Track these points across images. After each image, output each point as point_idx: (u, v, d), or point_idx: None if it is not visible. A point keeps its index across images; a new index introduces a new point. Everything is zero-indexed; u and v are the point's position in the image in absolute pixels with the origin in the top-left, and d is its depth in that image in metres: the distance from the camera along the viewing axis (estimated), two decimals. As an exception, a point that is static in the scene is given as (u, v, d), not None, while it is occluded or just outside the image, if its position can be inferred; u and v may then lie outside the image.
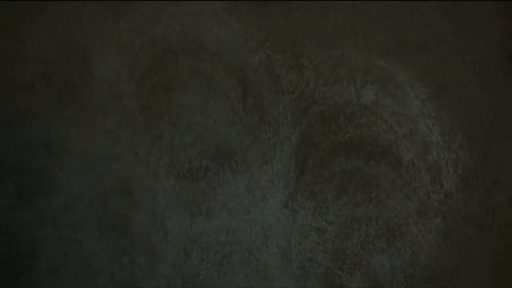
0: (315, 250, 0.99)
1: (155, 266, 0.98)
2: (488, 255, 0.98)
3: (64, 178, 0.98)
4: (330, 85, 0.99)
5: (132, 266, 0.98)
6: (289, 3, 0.99)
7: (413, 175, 0.99)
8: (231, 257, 0.99)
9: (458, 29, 0.99)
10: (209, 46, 1.00)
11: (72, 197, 0.98)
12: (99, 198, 0.98)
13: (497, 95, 0.99)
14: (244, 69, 0.99)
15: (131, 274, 0.98)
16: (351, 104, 0.99)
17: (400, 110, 0.99)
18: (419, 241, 0.99)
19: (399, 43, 0.99)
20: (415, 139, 0.99)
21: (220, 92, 0.99)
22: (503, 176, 0.99)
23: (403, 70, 0.99)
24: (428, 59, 0.99)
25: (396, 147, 0.99)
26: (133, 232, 0.98)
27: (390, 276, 0.99)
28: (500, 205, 0.98)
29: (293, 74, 0.99)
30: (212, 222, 0.98)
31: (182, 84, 0.99)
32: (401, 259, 0.99)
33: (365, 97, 0.99)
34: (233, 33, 1.00)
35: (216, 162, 0.99)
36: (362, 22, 0.99)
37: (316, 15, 0.99)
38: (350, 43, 0.99)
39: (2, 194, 0.96)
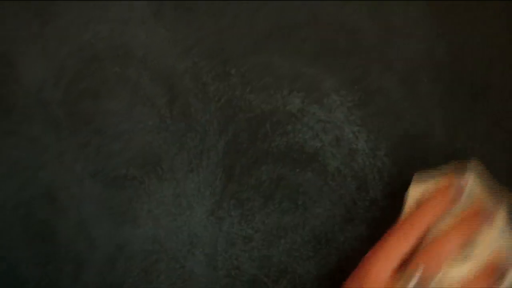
0: (242, 257, 0.99)
1: (80, 274, 0.98)
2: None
3: (-12, 186, 0.98)
4: (256, 92, 0.99)
5: (57, 274, 0.98)
6: (217, 10, 0.99)
7: (339, 183, 0.99)
8: (157, 265, 0.99)
9: (385, 35, 1.00)
10: (136, 52, 1.00)
11: (-4, 205, 0.98)
12: (23, 206, 0.98)
13: (422, 103, 0.99)
14: (170, 76, 0.99)
15: (56, 282, 0.98)
16: (278, 111, 0.99)
17: (326, 118, 0.99)
18: (345, 248, 0.99)
19: (327, 50, 0.99)
20: (341, 146, 1.00)
21: (147, 99, 0.99)
22: (428, 183, 1.00)
23: (329, 77, 1.00)
24: (355, 66, 1.00)
25: (322, 155, 0.99)
26: (58, 239, 0.98)
27: (316, 283, 0.99)
28: (426, 213, 0.99)
29: (219, 81, 0.99)
30: (138, 230, 0.99)
31: (109, 91, 0.99)
32: (328, 266, 1.00)
33: (291, 104, 0.99)
34: (160, 40, 1.00)
35: (142, 170, 0.99)
36: (289, 29, 1.00)
37: (243, 22, 1.00)
38: (277, 50, 1.00)
39: None
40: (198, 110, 0.98)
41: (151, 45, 0.99)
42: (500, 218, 0.84)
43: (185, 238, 0.98)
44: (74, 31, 0.99)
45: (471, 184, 0.87)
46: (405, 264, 0.82)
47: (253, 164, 0.98)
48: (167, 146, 0.98)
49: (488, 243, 0.83)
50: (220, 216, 0.98)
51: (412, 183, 0.90)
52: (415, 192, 0.90)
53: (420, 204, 0.87)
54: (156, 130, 0.98)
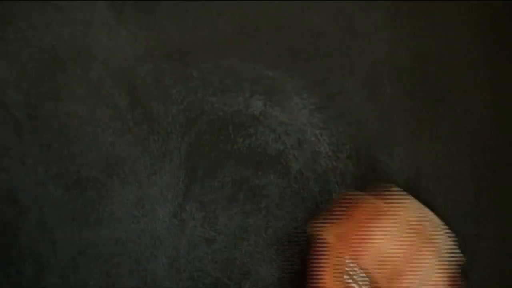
0: (204, 260, 1.00)
1: (42, 277, 0.98)
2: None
3: (-51, 189, 0.97)
4: (218, 95, 1.00)
5: (19, 276, 0.98)
6: (179, 13, 1.00)
7: (301, 185, 1.00)
8: (120, 267, 0.99)
9: (346, 39, 1.01)
10: (97, 55, 1.00)
11: (-43, 208, 0.98)
12: (-15, 209, 0.98)
13: (383, 106, 1.00)
14: (132, 79, 1.00)
15: (17, 285, 0.99)
16: (240, 114, 1.00)
17: (288, 120, 1.00)
18: (307, 251, 1.00)
19: (288, 53, 1.00)
20: (303, 149, 1.00)
21: (109, 102, 0.99)
22: (391, 185, 1.00)
23: (291, 80, 1.00)
24: (316, 69, 1.00)
25: (284, 157, 1.00)
26: (20, 242, 0.98)
27: (279, 286, 1.00)
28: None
29: (181, 84, 1.00)
30: (100, 232, 0.99)
31: (70, 94, 0.99)
32: (290, 269, 1.01)
33: (253, 107, 1.00)
34: (122, 42, 1.00)
35: (104, 173, 0.99)
36: (251, 33, 1.00)
37: (205, 25, 1.00)
38: (239, 53, 1.00)
39: None
40: (160, 112, 0.99)
41: (113, 47, 0.99)
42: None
43: (147, 241, 0.98)
44: (35, 34, 0.99)
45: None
46: None
47: (216, 167, 0.99)
48: (129, 149, 0.99)
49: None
50: (183, 219, 0.99)
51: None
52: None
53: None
54: (118, 133, 0.99)
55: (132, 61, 0.98)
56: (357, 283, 0.80)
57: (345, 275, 0.80)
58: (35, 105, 0.98)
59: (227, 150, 0.99)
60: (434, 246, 0.81)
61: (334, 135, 0.99)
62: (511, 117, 1.03)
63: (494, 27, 1.04)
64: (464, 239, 0.97)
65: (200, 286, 0.98)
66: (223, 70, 0.98)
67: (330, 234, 0.83)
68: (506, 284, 1.02)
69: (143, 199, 0.98)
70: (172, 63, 0.98)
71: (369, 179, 1.00)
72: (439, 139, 1.01)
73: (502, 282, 1.01)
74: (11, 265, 0.98)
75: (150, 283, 0.98)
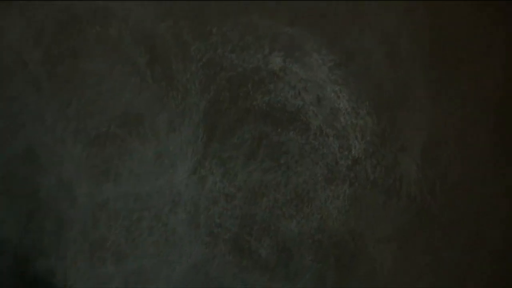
0: (224, 216, 1.00)
1: (62, 232, 0.99)
2: (394, 221, 1.00)
3: (-30, 145, 0.98)
4: (238, 52, 1.00)
5: (39, 232, 0.99)
6: (198, -31, 1.00)
7: (321, 142, 1.00)
8: (139, 223, 1.00)
9: (366, -5, 1.01)
10: (116, 12, 1.00)
11: (-22, 164, 0.98)
12: (5, 165, 0.99)
13: (402, 63, 1.00)
14: (151, 36, 1.00)
15: (38, 240, 0.99)
16: (259, 70, 1.00)
17: (307, 77, 1.00)
18: (327, 207, 1.00)
19: (307, 10, 1.00)
20: (323, 105, 1.01)
21: (127, 59, 0.99)
22: (410, 143, 1.00)
23: (310, 37, 1.00)
24: (336, 27, 1.00)
25: (304, 114, 1.00)
26: (40, 198, 0.99)
27: (298, 242, 1.00)
28: (407, 172, 1.00)
29: (200, 41, 1.00)
30: (120, 188, 0.99)
31: (89, 51, 1.00)
32: (309, 225, 1.01)
33: (273, 63, 1.00)
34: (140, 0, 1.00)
35: (124, 129, 0.99)
36: (270, -12, 1.00)
37: (224, -19, 1.00)
38: (258, 10, 1.00)
39: None
40: (179, 69, 0.99)
41: (132, 5, 1.00)
42: None
43: (167, 197, 0.99)
44: (55, -9, 1.00)
45: None
46: None
47: (235, 123, 0.99)
48: (149, 106, 0.99)
49: None
50: (202, 175, 0.99)
51: None
52: None
53: None
54: (137, 90, 0.99)
55: (151, 18, 0.99)
56: None
57: None
58: (54, 62, 0.99)
59: (246, 106, 0.99)
60: None
61: (353, 92, 0.99)
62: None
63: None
64: (481, 200, 0.98)
65: (219, 241, 0.99)
66: (242, 27, 0.98)
67: None
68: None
69: (162, 155, 0.98)
70: (191, 20, 0.99)
71: (387, 135, 1.00)
72: (458, 98, 1.01)
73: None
74: (31, 221, 0.98)
75: (169, 238, 0.99)
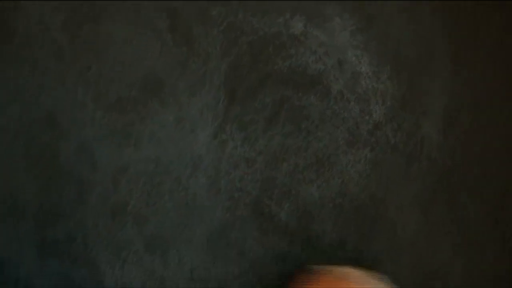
0: (244, 180, 1.00)
1: (83, 197, 0.99)
2: (415, 185, 1.00)
3: (-10, 109, 0.98)
4: (259, 16, 1.00)
5: (59, 197, 0.99)
6: None
7: (341, 106, 1.00)
8: (160, 187, 1.00)
9: (387, -41, 1.01)
10: (137, -24, 1.00)
11: (-2, 128, 0.98)
12: (25, 130, 0.99)
13: (424, 28, 1.00)
14: (172, 0, 1.00)
15: (59, 205, 0.99)
16: (280, 34, 1.00)
17: (329, 41, 1.00)
18: (348, 171, 1.00)
19: (328, -27, 1.00)
20: (344, 70, 1.01)
21: (148, 24, 1.00)
22: (431, 107, 1.00)
23: (332, 2, 1.00)
24: (357, -10, 1.01)
25: (325, 78, 1.00)
26: (60, 163, 0.99)
27: (319, 206, 1.00)
28: (428, 136, 1.00)
29: (221, 5, 1.00)
30: (140, 152, 0.99)
31: (110, 15, 1.00)
32: (330, 189, 1.01)
33: (294, 28, 1.00)
34: (162, -36, 1.00)
35: (144, 93, 0.99)
36: (291, -47, 1.00)
37: None
38: (279, -27, 1.00)
39: None
40: (200, 33, 0.99)
41: (153, -32, 1.00)
42: None
43: (188, 161, 0.99)
44: (75, -45, 1.00)
45: None
46: None
47: (256, 87, 0.99)
48: (169, 70, 0.99)
49: None
50: (223, 139, 0.99)
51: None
52: None
53: None
54: (158, 54, 0.99)
55: (172, -19, 0.99)
56: None
57: None
58: (75, 27, 0.99)
59: (267, 71, 0.99)
60: None
61: (374, 57, 0.99)
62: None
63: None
64: (503, 164, 0.97)
65: (240, 205, 0.99)
66: (263, -10, 0.99)
67: None
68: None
69: (183, 120, 0.98)
70: (212, -16, 0.99)
71: (408, 100, 1.00)
72: (480, 63, 1.01)
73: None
74: (52, 185, 0.98)
75: (190, 202, 0.99)
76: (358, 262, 0.97)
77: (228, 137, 0.97)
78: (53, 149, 0.97)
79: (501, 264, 0.97)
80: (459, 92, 0.98)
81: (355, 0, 0.98)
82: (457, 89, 0.98)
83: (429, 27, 0.99)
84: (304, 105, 0.96)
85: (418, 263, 0.96)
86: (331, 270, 0.83)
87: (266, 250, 0.97)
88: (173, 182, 0.97)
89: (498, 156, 0.99)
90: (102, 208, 0.97)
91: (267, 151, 0.96)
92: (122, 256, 0.97)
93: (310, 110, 0.96)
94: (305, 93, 0.97)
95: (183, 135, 0.97)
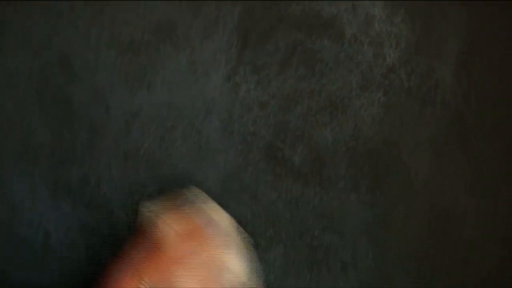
0: (258, 123, 1.00)
1: (96, 140, 0.99)
2: (429, 129, 1.00)
3: (2, 54, 0.98)
4: (272, -42, 0.99)
5: (73, 140, 0.99)
6: None
7: (355, 49, 1.00)
8: (173, 131, 0.99)
9: None
10: None
11: (11, 72, 0.98)
12: (38, 73, 0.98)
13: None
14: None
15: (71, 148, 0.99)
16: (294, -23, 0.99)
17: (342, -17, 0.99)
18: (361, 115, 1.00)
19: None
20: (357, 13, 1.00)
21: (161, -35, 0.99)
22: (445, 51, 1.00)
23: None
24: None
25: (338, 21, 1.00)
26: (73, 106, 0.99)
27: (332, 149, 1.00)
28: (442, 80, 1.00)
29: None
30: (153, 96, 0.99)
31: (122, -43, 0.99)
32: (343, 133, 1.00)
33: (307, -31, 1.00)
34: None
35: (157, 36, 0.99)
36: None
37: None
38: None
39: None
40: (213, -24, 0.98)
41: None
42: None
43: (201, 105, 0.99)
44: None
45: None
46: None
47: (269, 31, 0.99)
48: (182, 13, 0.99)
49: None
50: (236, 82, 0.99)
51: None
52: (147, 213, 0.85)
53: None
54: (170, -3, 0.98)
55: None
56: None
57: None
58: (87, -31, 0.98)
59: (281, 14, 0.98)
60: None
61: (388, -1, 0.99)
62: None
63: None
64: None
65: (253, 149, 0.99)
66: None
67: (170, 228, 0.80)
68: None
69: (196, 63, 0.98)
70: None
71: (422, 43, 0.99)
72: (495, 6, 1.00)
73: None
74: (65, 129, 0.98)
75: (203, 146, 0.99)
76: (372, 205, 0.97)
77: (241, 80, 0.97)
78: (66, 93, 0.97)
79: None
80: (473, 36, 0.97)
81: None
82: (471, 33, 0.97)
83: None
84: (317, 48, 0.96)
85: (431, 205, 0.96)
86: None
87: (279, 194, 0.97)
88: (186, 126, 0.97)
89: (510, 99, 0.98)
90: (115, 152, 0.97)
91: (280, 94, 0.96)
92: (135, 200, 0.98)
93: (323, 54, 0.96)
94: (318, 37, 0.96)
95: (196, 78, 0.97)
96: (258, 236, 0.98)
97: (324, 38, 0.97)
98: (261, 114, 0.96)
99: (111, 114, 0.96)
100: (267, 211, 0.98)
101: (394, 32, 0.98)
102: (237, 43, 0.96)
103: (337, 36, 0.97)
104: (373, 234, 0.98)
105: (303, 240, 0.98)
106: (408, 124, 0.97)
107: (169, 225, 0.80)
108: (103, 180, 0.97)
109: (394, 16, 0.98)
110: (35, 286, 1.00)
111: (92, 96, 0.97)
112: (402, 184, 0.97)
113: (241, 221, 0.97)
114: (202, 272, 0.77)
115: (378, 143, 0.97)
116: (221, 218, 0.82)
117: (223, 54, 0.96)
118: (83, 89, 0.97)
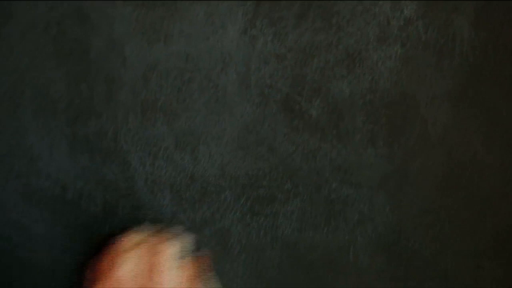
0: (275, 76, 1.00)
1: (113, 93, 0.99)
2: (446, 82, 0.99)
3: (18, 4, 0.98)
4: None
5: (90, 92, 0.99)
6: None
7: (372, 1, 1.00)
8: (190, 83, 1.00)
9: None
10: None
11: (27, 24, 0.98)
12: (55, 25, 0.98)
13: None
14: None
15: (89, 101, 0.99)
16: None
17: None
18: (378, 67, 1.00)
19: None
20: (375, -36, 0.99)
21: None
22: (463, 3, 0.99)
23: None
24: None
25: (356, -27, 0.99)
26: (90, 58, 0.99)
27: (349, 102, 1.00)
28: (460, 32, 0.99)
29: None
30: (170, 48, 0.99)
31: None
32: (361, 85, 1.00)
33: None
34: None
35: (174, -11, 0.99)
36: None
37: None
38: None
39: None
40: None
41: None
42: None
43: (218, 57, 0.99)
44: None
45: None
46: None
47: (286, -17, 0.98)
48: (199, -35, 0.98)
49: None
50: (253, 35, 0.99)
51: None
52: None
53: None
54: (187, -51, 0.98)
55: None
56: None
57: None
58: None
59: (298, -35, 0.98)
60: None
61: (406, -50, 0.98)
62: None
63: None
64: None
65: (270, 102, 0.99)
66: None
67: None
68: None
69: (213, 15, 0.98)
70: None
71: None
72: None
73: None
74: (82, 81, 0.98)
75: (220, 99, 0.99)
76: (389, 157, 0.97)
77: (258, 33, 0.96)
78: (83, 45, 0.97)
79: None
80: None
81: None
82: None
83: None
84: (334, 0, 0.96)
85: (449, 158, 0.96)
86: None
87: (297, 147, 0.97)
88: (203, 78, 0.97)
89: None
90: (132, 104, 0.98)
91: (297, 47, 0.96)
92: (153, 152, 0.98)
93: (340, 6, 0.95)
94: (335, -12, 0.96)
95: (212, 31, 0.97)
96: (275, 189, 0.99)
97: (341, -10, 0.96)
98: (278, 67, 0.96)
99: (128, 66, 0.96)
100: (284, 164, 0.98)
101: (412, -16, 0.97)
102: (254, -4, 0.96)
103: (355, -12, 0.97)
104: (390, 187, 0.98)
105: (321, 193, 0.98)
106: (426, 76, 0.96)
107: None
108: (120, 133, 0.97)
109: (412, -32, 0.97)
110: (52, 238, 1.01)
111: (109, 48, 0.97)
112: (420, 137, 0.97)
113: (259, 175, 0.97)
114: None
115: (395, 96, 0.97)
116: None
117: (239, 6, 0.96)
118: (100, 41, 0.97)
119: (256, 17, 0.97)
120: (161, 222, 0.97)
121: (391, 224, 0.99)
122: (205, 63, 0.97)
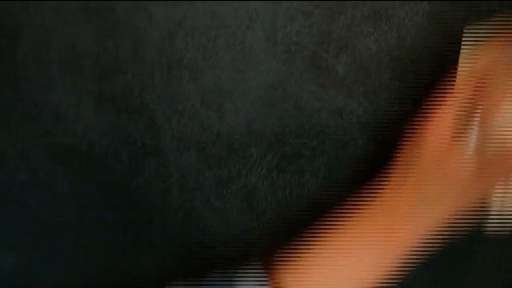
0: (301, 33, 0.99)
1: (139, 50, 0.99)
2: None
3: (46, -38, 0.97)
4: None
5: (116, 49, 0.99)
6: None
7: (401, -38, 0.99)
8: (216, 40, 0.99)
9: None
10: None
11: (54, -20, 0.98)
12: (81, -19, 0.98)
13: None
14: None
15: (115, 58, 0.99)
16: None
17: None
18: (405, 24, 0.99)
19: None
20: None
21: None
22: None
23: None
24: None
25: None
26: (117, 15, 0.99)
27: (376, 59, 1.00)
28: None
29: None
30: (196, 5, 0.99)
31: None
32: (388, 42, 1.00)
33: None
34: None
35: None
36: None
37: None
38: None
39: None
40: None
41: None
42: None
43: (244, 14, 0.98)
44: None
45: None
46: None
47: None
48: None
49: None
50: (279, -9, 0.98)
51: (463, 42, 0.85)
52: (467, 53, 0.84)
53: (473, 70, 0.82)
54: None
55: None
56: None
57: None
58: None
59: None
60: None
61: None
62: None
63: None
64: None
65: (297, 59, 0.98)
66: None
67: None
68: None
69: (239, -28, 0.98)
70: None
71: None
72: None
73: None
74: (107, 38, 0.98)
75: (246, 56, 0.98)
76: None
77: (284, -11, 0.96)
78: (109, 2, 0.97)
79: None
80: None
81: None
82: None
83: None
84: (361, -44, 0.95)
85: (476, 114, 0.95)
86: None
87: (323, 104, 0.97)
88: (229, 35, 0.97)
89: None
90: (158, 62, 0.98)
91: (323, 4, 0.95)
92: (179, 110, 0.98)
93: (367, -28, 0.95)
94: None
95: (239, -13, 0.97)
96: (302, 146, 0.99)
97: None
98: (304, 23, 0.96)
99: (154, 24, 0.96)
100: (311, 121, 0.98)
101: None
102: (280, -49, 0.95)
103: None
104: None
105: (347, 150, 0.98)
106: (453, 34, 0.96)
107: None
108: (146, 90, 0.98)
109: None
110: (77, 197, 1.01)
111: (135, 5, 0.96)
112: (447, 94, 0.96)
113: (285, 132, 0.97)
114: None
115: (422, 53, 0.96)
116: None
117: (266, -38, 0.95)
118: (126, -2, 0.96)
119: (282, -27, 0.96)
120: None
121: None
122: (231, 20, 0.96)
